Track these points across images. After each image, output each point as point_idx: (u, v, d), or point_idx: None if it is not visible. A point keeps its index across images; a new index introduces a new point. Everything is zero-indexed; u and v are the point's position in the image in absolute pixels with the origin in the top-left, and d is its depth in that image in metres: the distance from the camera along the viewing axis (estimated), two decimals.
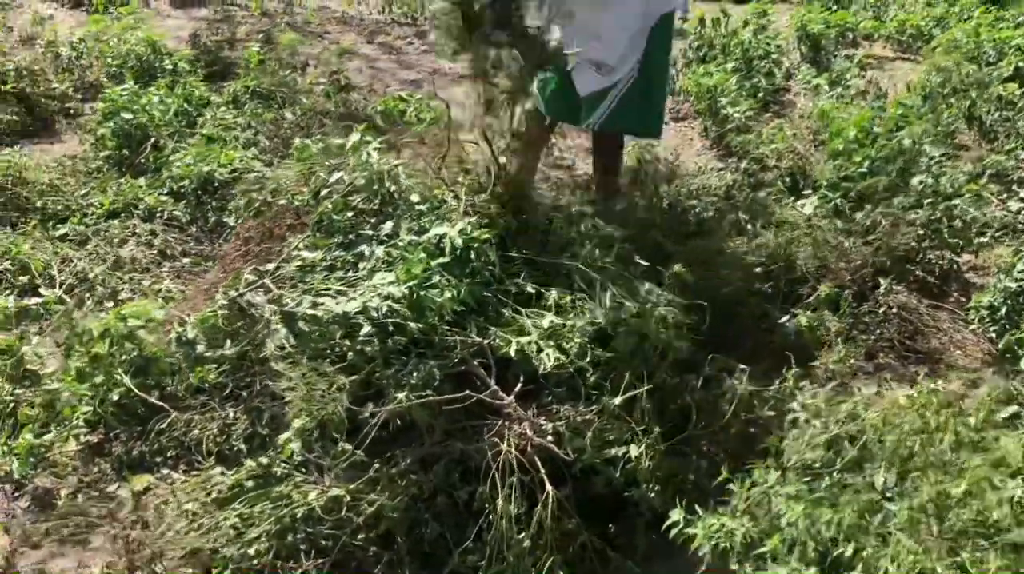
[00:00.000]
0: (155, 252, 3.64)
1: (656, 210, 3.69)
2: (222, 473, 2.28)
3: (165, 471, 2.59)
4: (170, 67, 5.19)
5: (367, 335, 2.18)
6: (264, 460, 2.22)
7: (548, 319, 2.38)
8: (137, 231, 3.71)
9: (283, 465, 2.25)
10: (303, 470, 2.23)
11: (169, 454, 2.62)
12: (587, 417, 2.30)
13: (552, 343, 2.33)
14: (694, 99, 5.47)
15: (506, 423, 2.24)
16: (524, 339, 2.31)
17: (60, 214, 3.83)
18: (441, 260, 2.36)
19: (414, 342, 2.25)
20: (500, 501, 2.14)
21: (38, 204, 3.81)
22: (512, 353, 2.30)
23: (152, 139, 4.36)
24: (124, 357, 2.70)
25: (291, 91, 5.11)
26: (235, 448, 2.45)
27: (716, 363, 2.75)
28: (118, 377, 2.63)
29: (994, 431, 2.12)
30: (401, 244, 2.45)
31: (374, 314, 2.17)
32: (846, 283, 3.53)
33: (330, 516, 2.09)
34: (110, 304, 3.26)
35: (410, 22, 7.57)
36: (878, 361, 3.40)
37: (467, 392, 2.20)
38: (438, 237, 2.39)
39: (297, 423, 2.18)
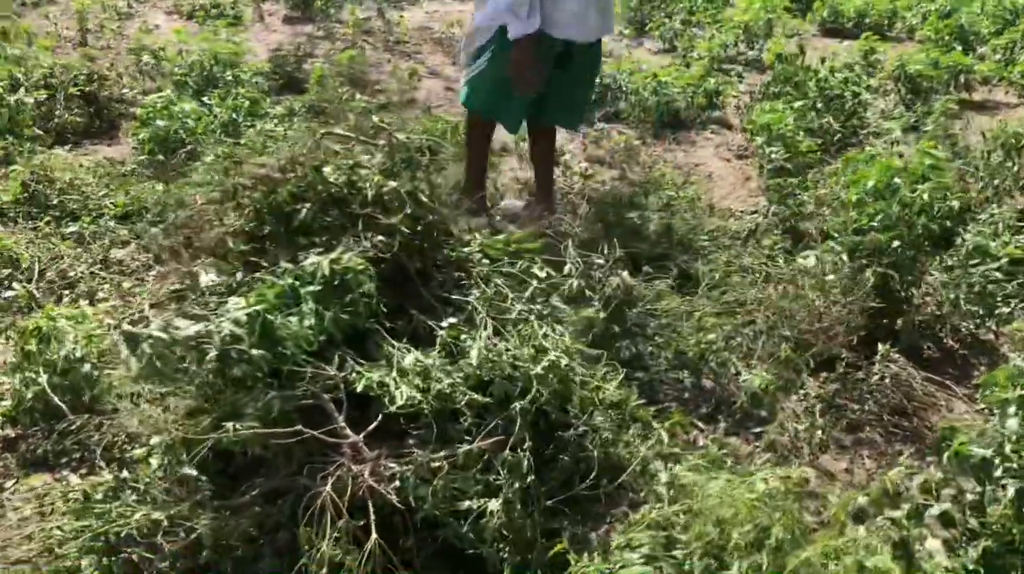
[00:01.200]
0: (150, 256, 3.74)
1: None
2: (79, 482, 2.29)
3: (65, 473, 2.66)
4: (231, 78, 5.36)
5: (211, 361, 2.14)
6: (108, 476, 2.22)
7: (412, 356, 2.27)
8: (140, 234, 3.85)
9: (135, 483, 2.25)
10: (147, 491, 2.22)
11: (74, 456, 2.69)
12: (438, 464, 2.18)
13: (408, 381, 2.22)
14: (751, 136, 5.20)
15: (348, 463, 2.15)
16: (375, 375, 2.21)
17: (76, 213, 4.01)
18: (311, 288, 2.29)
19: (263, 371, 2.20)
20: (325, 544, 2.05)
21: (55, 202, 4.01)
22: (364, 388, 2.21)
23: (189, 147, 4.53)
24: (52, 356, 2.79)
25: (342, 108, 5.18)
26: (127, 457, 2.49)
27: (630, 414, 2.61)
28: (33, 375, 2.71)
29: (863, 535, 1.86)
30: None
31: (219, 340, 2.13)
32: (837, 345, 3.26)
33: (144, 539, 2.06)
34: (85, 302, 3.39)
35: None
36: (860, 436, 3.11)
37: (299, 427, 2.12)
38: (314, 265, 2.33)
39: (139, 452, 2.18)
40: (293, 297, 2.29)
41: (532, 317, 2.50)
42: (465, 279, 2.67)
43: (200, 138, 4.59)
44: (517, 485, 2.21)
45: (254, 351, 2.14)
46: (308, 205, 2.47)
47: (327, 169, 2.50)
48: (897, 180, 3.43)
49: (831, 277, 3.43)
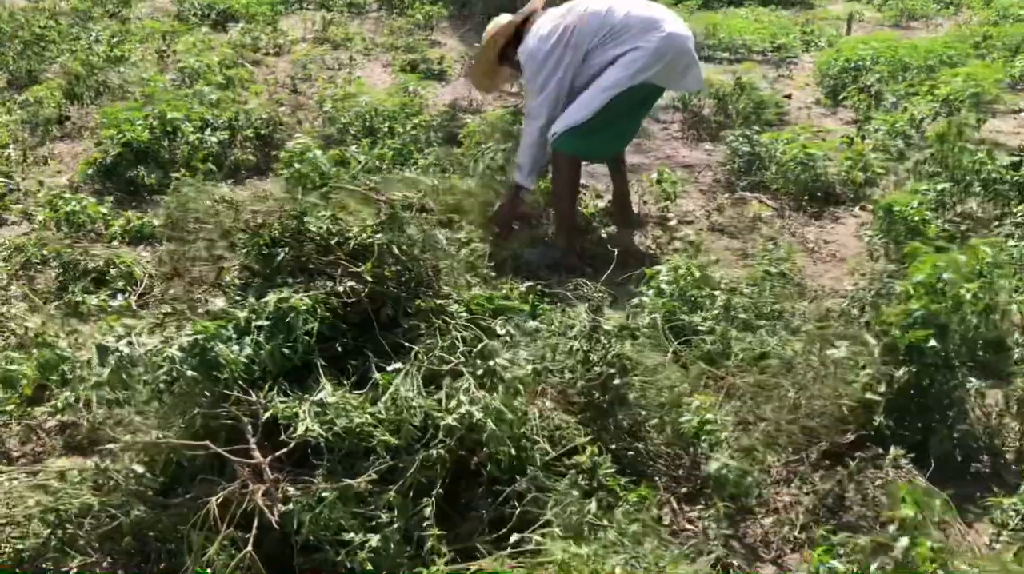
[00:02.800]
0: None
1: None
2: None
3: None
4: (387, 129, 5.88)
5: (156, 378, 2.48)
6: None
7: (330, 392, 2.49)
8: None
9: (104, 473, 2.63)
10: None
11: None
12: (326, 494, 2.37)
13: (319, 415, 2.44)
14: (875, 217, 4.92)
15: (249, 482, 2.40)
16: (287, 406, 2.46)
17: None
18: (258, 323, 2.59)
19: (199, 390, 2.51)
20: (211, 550, 2.31)
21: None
22: (274, 417, 2.46)
23: (324, 188, 5.05)
24: None
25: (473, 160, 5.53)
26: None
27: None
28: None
29: None
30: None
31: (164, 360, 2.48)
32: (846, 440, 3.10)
33: (77, 519, 2.43)
34: None
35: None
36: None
37: (206, 442, 2.40)
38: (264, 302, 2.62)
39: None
40: (245, 329, 2.59)
41: (466, 371, 2.62)
42: (432, 329, 2.85)
43: (336, 180, 5.08)
44: (396, 525, 2.36)
45: (189, 372, 2.45)
46: (286, 248, 2.78)
47: (308, 218, 2.79)
48: (948, 276, 3.19)
49: (865, 371, 3.26)
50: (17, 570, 2.43)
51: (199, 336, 2.48)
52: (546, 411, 3.01)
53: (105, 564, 2.47)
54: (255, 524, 2.32)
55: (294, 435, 2.42)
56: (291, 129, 6.08)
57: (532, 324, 3.08)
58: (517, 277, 4.36)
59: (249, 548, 2.28)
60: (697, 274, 3.91)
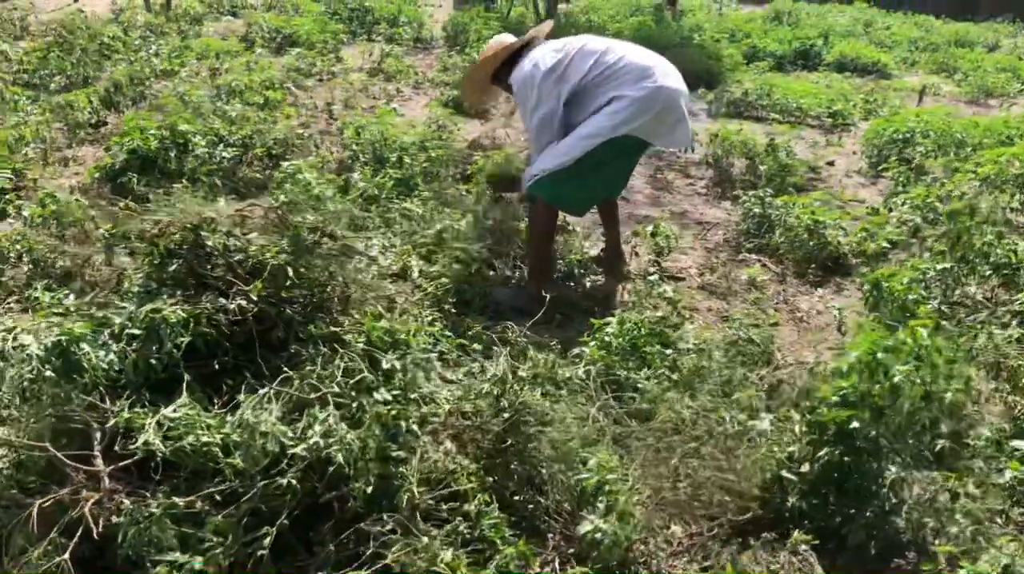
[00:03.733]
0: None
1: None
2: None
3: None
4: (394, 158, 5.91)
5: (15, 375, 2.49)
6: None
7: (175, 407, 2.46)
8: None
9: None
10: None
11: None
12: (153, 511, 2.33)
13: (157, 429, 2.41)
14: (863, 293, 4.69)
15: (83, 489, 2.38)
16: (131, 415, 2.43)
17: None
18: (131, 331, 2.58)
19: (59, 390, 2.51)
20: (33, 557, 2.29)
21: None
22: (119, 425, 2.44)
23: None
24: None
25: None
26: None
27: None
28: None
29: None
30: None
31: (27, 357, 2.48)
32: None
33: None
34: None
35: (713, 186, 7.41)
36: None
37: (45, 444, 2.39)
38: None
39: None
40: (118, 336, 2.59)
41: (332, 402, 2.56)
42: (318, 356, 2.80)
43: (329, 203, 5.12)
44: (220, 550, 2.30)
45: (48, 373, 2.45)
46: (179, 261, 2.78)
47: (205, 233, 2.79)
48: (882, 356, 3.00)
49: (790, 448, 3.08)
50: None
51: (63, 337, 2.48)
52: (443, 453, 2.94)
53: None
54: (79, 532, 2.28)
55: (134, 447, 2.38)
56: (306, 152, 6.16)
57: (433, 362, 2.99)
58: (482, 316, 4.32)
59: (66, 555, 2.24)
60: (645, 330, 3.77)
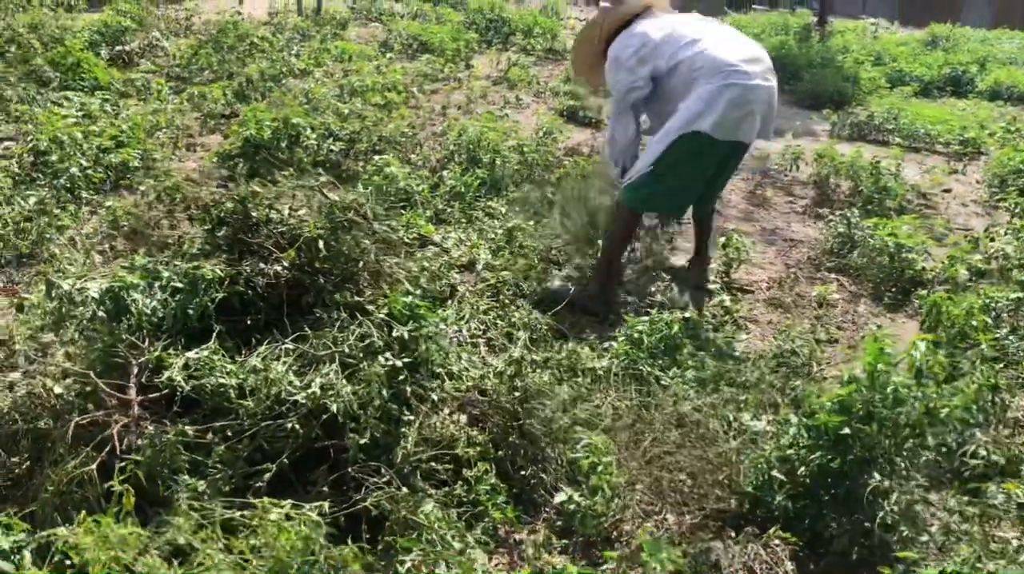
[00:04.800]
0: None
1: None
2: None
3: None
4: (487, 160, 6.22)
5: (85, 315, 2.91)
6: None
7: (195, 352, 2.81)
8: None
9: None
10: None
11: None
12: (168, 438, 2.68)
13: (181, 368, 2.76)
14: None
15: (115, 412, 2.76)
16: (162, 354, 2.79)
17: None
18: (175, 284, 2.96)
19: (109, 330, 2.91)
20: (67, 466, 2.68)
21: None
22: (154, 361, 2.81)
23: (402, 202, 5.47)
24: None
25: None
26: None
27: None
28: None
29: None
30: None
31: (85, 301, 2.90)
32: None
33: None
34: None
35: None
36: None
37: (88, 372, 2.78)
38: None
39: None
40: (164, 287, 2.98)
41: (336, 359, 2.86)
42: (338, 321, 3.10)
43: (416, 197, 5.48)
44: (220, 475, 2.63)
45: (100, 313, 2.86)
46: (227, 227, 3.15)
47: (250, 204, 3.14)
48: (881, 367, 3.03)
49: (790, 450, 3.16)
50: None
51: (116, 285, 2.87)
52: (449, 421, 3.18)
53: None
54: (107, 449, 2.65)
55: (159, 381, 2.74)
56: (407, 149, 6.55)
57: (448, 336, 3.24)
58: (536, 308, 4.50)
59: (93, 467, 2.62)
60: (675, 329, 3.90)
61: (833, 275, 5.60)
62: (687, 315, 4.07)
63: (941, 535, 2.78)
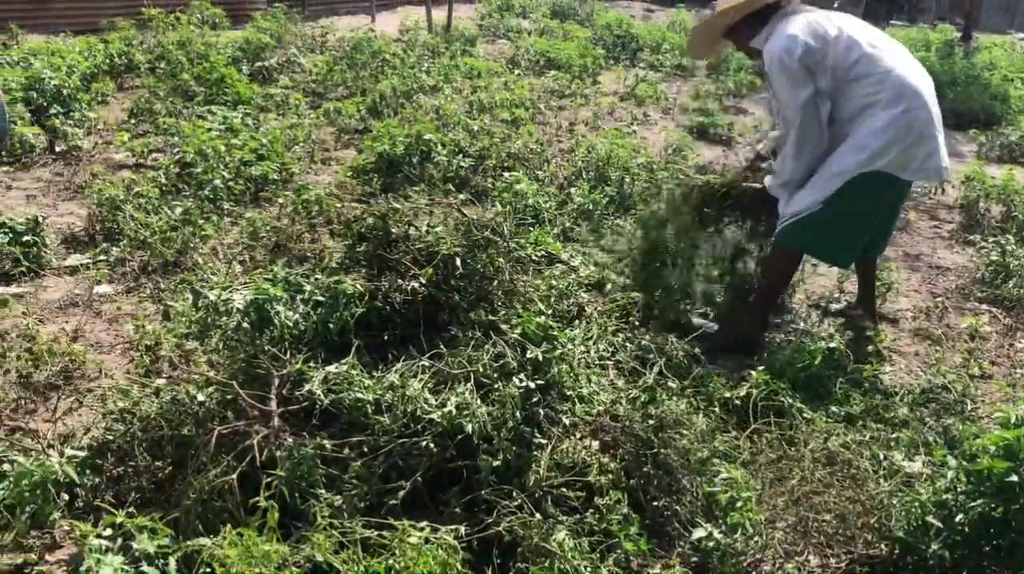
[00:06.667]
0: None
1: None
2: None
3: None
4: (616, 177, 6.13)
5: (230, 325, 2.96)
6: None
7: (335, 366, 2.81)
8: None
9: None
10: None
11: None
12: (305, 451, 2.69)
13: (321, 381, 2.77)
14: None
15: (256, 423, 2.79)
16: (302, 366, 2.81)
17: None
18: (317, 298, 2.98)
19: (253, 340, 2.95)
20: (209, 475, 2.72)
21: None
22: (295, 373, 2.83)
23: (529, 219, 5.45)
24: None
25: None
26: None
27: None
28: None
29: None
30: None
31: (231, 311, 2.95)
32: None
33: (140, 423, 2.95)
34: None
35: None
36: None
37: (232, 383, 2.82)
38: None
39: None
40: (306, 299, 3.01)
41: (471, 378, 2.82)
42: (472, 339, 3.07)
43: (544, 213, 5.45)
44: (355, 492, 2.62)
45: (245, 324, 2.91)
46: (367, 243, 3.16)
47: (390, 220, 3.16)
48: None
49: (947, 495, 2.95)
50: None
51: (260, 297, 2.92)
52: (581, 447, 3.10)
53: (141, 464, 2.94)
54: (247, 458, 2.69)
55: (299, 394, 2.76)
56: (535, 166, 6.53)
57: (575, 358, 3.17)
58: (670, 335, 4.30)
59: (233, 477, 2.65)
60: (818, 360, 3.71)
61: (985, 306, 5.27)
62: (832, 346, 3.85)
63: None
